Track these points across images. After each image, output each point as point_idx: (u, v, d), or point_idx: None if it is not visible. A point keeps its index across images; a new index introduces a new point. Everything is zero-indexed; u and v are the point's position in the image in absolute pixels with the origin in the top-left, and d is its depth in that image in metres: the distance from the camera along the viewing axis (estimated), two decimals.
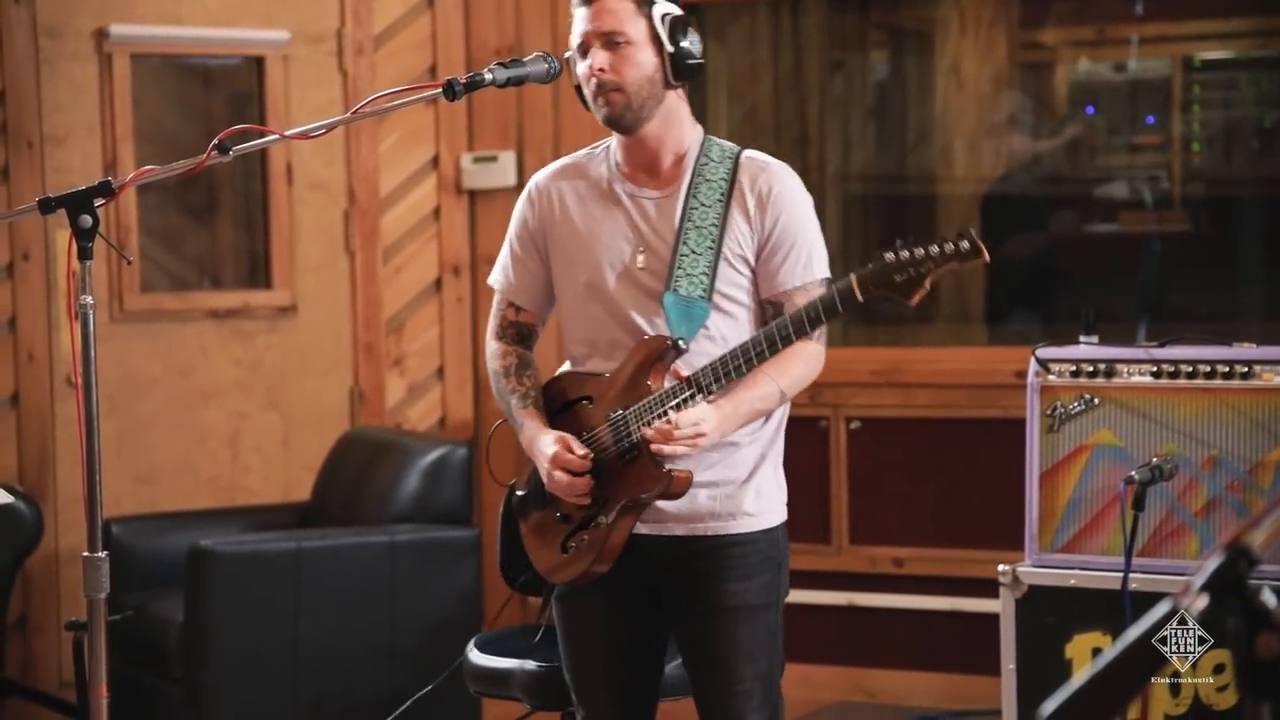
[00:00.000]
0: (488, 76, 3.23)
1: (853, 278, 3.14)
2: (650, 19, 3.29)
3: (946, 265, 3.11)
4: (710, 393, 3.22)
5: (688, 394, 3.21)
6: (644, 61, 3.28)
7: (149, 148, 5.86)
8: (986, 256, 3.10)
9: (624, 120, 3.31)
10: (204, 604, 5.04)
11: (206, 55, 6.12)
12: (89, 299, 2.97)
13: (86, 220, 2.98)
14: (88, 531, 2.98)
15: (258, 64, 5.99)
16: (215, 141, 3.05)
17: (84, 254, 2.98)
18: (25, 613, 5.72)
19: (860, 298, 3.14)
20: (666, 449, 3.20)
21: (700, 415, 3.20)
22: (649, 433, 3.21)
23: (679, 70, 3.30)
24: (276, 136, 3.27)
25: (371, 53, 6.06)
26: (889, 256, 3.11)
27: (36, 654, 5.74)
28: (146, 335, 5.87)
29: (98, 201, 2.99)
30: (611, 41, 3.28)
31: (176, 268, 6.18)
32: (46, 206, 3.00)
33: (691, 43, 3.31)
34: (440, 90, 3.17)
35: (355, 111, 3.20)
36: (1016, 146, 6.83)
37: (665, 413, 3.22)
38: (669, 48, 3.28)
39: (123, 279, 5.80)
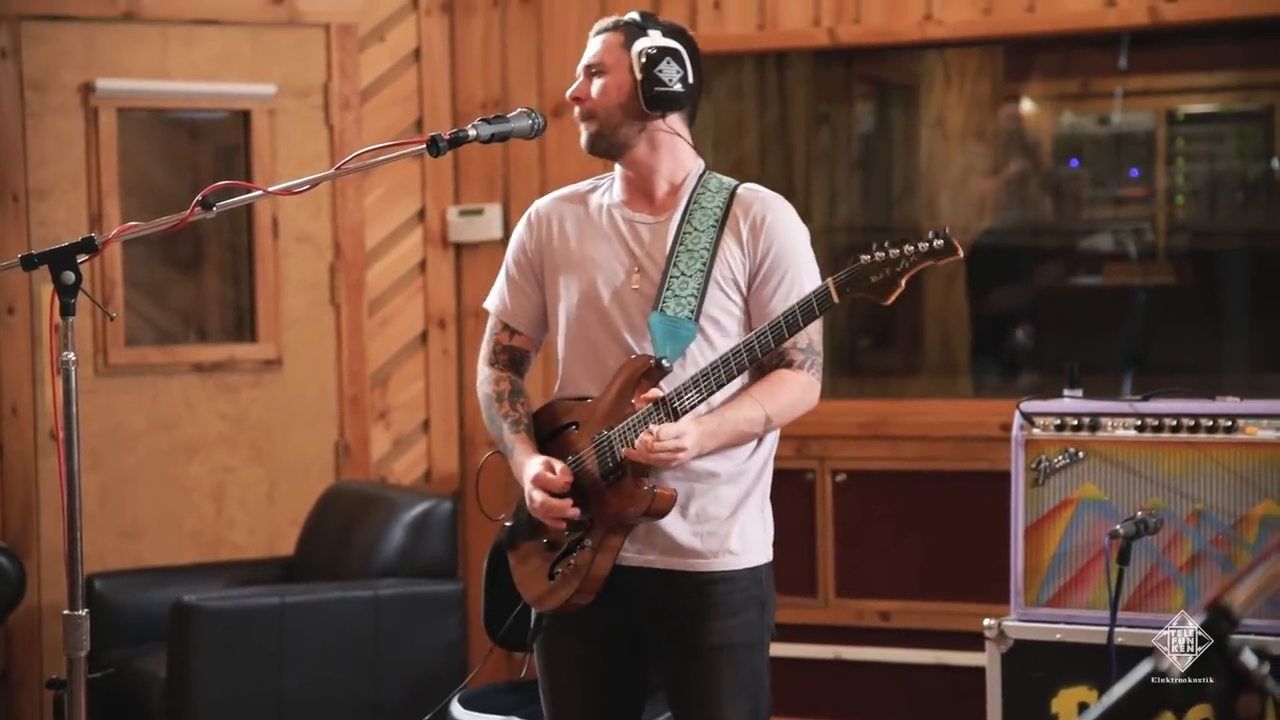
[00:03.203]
0: (472, 132, 3.26)
1: (829, 281, 3.19)
2: (630, 50, 3.39)
3: (922, 264, 3.16)
4: (690, 409, 3.24)
5: (666, 413, 3.24)
6: (613, 89, 3.39)
7: (135, 201, 5.87)
8: (960, 253, 3.14)
9: (598, 146, 3.43)
10: (187, 660, 5.02)
11: (193, 109, 6.12)
12: (71, 355, 2.96)
13: (69, 276, 2.97)
14: (68, 589, 2.97)
15: (244, 118, 6.00)
16: (199, 198, 3.05)
17: (67, 310, 2.97)
18: (7, 668, 5.69)
19: (836, 299, 3.18)
20: (650, 461, 3.23)
21: (682, 429, 3.23)
22: (629, 451, 3.24)
23: (649, 99, 3.36)
24: (260, 193, 3.28)
25: (358, 106, 6.07)
26: (864, 258, 3.16)
27: (20, 710, 5.71)
28: (131, 389, 5.86)
29: (81, 257, 2.99)
30: (590, 71, 3.43)
31: (162, 320, 6.17)
32: (29, 263, 2.99)
33: (668, 73, 3.37)
34: (424, 146, 3.18)
35: (339, 168, 3.21)
36: (972, 190, 6.85)
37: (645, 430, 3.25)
38: (638, 75, 3.36)
39: (107, 333, 5.79)
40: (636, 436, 3.25)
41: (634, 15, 3.44)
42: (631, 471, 3.29)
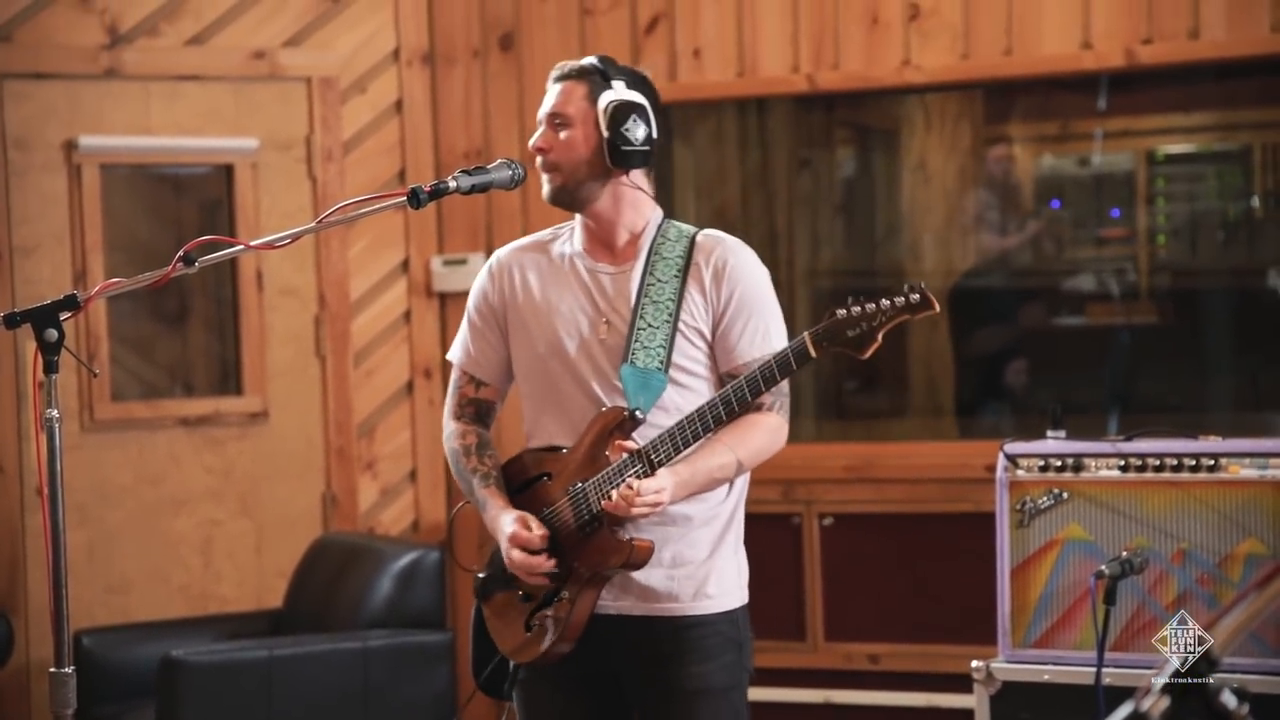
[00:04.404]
0: (452, 184, 3.27)
1: (806, 335, 3.19)
2: (596, 104, 3.38)
3: (898, 318, 3.15)
4: (665, 462, 3.24)
5: (641, 466, 3.24)
6: (579, 144, 3.38)
7: (120, 256, 5.88)
8: (936, 307, 3.14)
9: (561, 199, 3.44)
10: (176, 715, 5.00)
11: (176, 164, 6.14)
12: (55, 413, 2.96)
13: (52, 334, 2.97)
14: (55, 646, 2.96)
15: (227, 172, 6.02)
16: (181, 253, 3.05)
17: (50, 367, 2.97)
18: None
19: (814, 354, 3.18)
20: (629, 515, 3.23)
21: (660, 483, 3.23)
22: (608, 504, 3.24)
23: (615, 156, 3.36)
24: (242, 247, 3.28)
25: (340, 158, 6.09)
26: (840, 313, 3.16)
27: None
28: (117, 444, 5.85)
29: (64, 315, 2.99)
30: (554, 122, 3.41)
31: (148, 374, 6.17)
32: (11, 321, 2.99)
33: (634, 130, 3.36)
34: (405, 199, 3.19)
35: (320, 221, 3.22)
36: (984, 244, 6.88)
37: (623, 484, 3.24)
38: (605, 134, 3.36)
39: (93, 388, 5.79)
40: (613, 488, 3.25)
41: (594, 62, 3.43)
42: (608, 523, 3.30)
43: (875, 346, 3.15)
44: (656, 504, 3.22)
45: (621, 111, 3.36)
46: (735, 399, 3.22)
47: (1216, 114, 6.88)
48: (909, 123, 6.96)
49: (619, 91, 3.39)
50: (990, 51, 5.60)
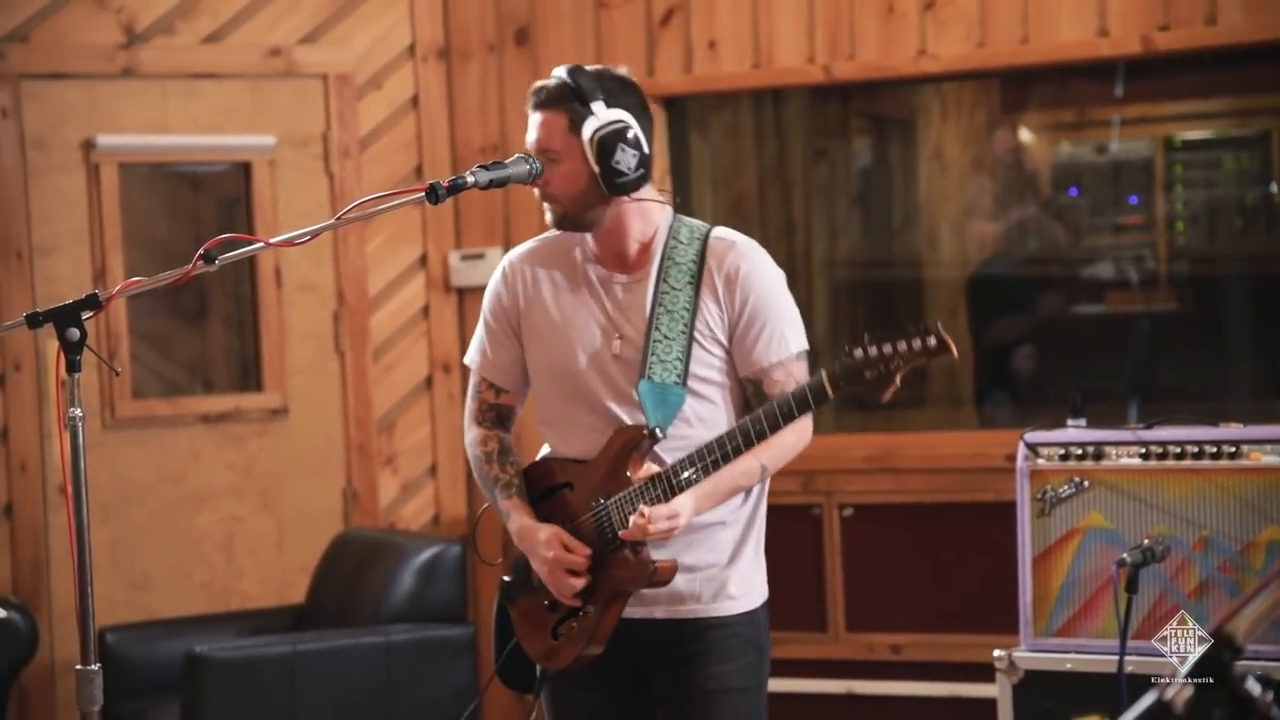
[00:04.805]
0: (470, 179, 3.25)
1: (824, 374, 3.15)
2: (581, 136, 3.30)
3: (914, 362, 3.11)
4: (686, 487, 3.23)
5: (664, 489, 3.24)
6: (574, 176, 3.32)
7: (139, 254, 5.89)
8: (954, 353, 3.10)
9: (566, 225, 3.40)
10: (200, 711, 5.02)
11: (194, 162, 6.15)
12: (78, 411, 2.97)
13: (74, 333, 2.98)
14: (80, 643, 2.97)
15: (245, 169, 6.03)
16: (201, 251, 3.06)
17: (72, 366, 2.98)
18: None
19: (831, 395, 3.15)
20: (644, 539, 3.24)
21: (675, 508, 3.23)
22: (625, 533, 3.25)
23: (611, 187, 3.31)
24: (262, 245, 3.29)
25: (358, 155, 6.10)
26: (858, 354, 3.11)
27: None
28: (138, 442, 5.87)
29: (85, 314, 3.00)
30: (544, 156, 3.33)
31: (168, 371, 6.19)
32: (34, 321, 3.00)
33: (624, 160, 3.29)
34: (423, 195, 3.18)
35: (339, 218, 3.22)
36: (976, 233, 6.87)
37: (637, 512, 3.24)
38: (595, 168, 3.29)
39: (114, 386, 5.81)
40: (633, 510, 3.24)
41: (565, 79, 3.32)
42: (630, 544, 3.30)
43: (893, 390, 3.10)
44: (671, 529, 3.22)
45: (608, 143, 3.27)
46: (754, 431, 3.19)
47: (1234, 100, 6.87)
48: (925, 112, 6.95)
49: (600, 115, 3.28)
50: (1006, 39, 5.59)
